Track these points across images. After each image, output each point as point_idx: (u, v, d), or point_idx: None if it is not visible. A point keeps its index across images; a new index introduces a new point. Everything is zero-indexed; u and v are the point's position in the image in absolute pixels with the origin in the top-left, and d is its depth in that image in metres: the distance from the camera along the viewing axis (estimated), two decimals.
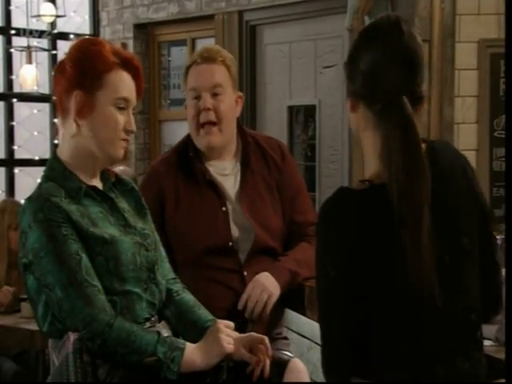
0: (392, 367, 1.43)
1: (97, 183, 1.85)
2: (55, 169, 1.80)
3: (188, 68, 2.26)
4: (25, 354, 3.62)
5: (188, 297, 1.92)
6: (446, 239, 1.46)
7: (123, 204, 1.87)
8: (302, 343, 2.74)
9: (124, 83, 1.81)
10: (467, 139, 3.69)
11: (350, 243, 1.43)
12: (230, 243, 2.18)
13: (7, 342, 3.45)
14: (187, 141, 2.29)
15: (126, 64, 1.82)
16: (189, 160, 2.25)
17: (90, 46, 1.81)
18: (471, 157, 3.66)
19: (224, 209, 2.21)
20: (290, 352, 2.20)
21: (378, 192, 1.44)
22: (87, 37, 2.03)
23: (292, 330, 2.82)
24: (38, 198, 1.73)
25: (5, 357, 3.61)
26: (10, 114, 5.25)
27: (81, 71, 1.77)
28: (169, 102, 5.33)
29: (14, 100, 5.23)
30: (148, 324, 1.77)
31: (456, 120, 3.69)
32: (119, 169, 3.64)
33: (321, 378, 2.68)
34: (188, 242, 2.19)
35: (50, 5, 4.95)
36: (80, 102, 1.77)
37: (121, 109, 1.80)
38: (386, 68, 1.46)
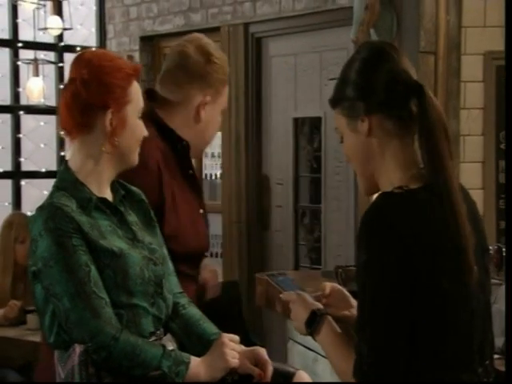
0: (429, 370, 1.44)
1: (107, 195, 1.85)
2: (66, 179, 1.81)
3: (223, 85, 2.24)
4: (29, 366, 3.62)
5: (194, 310, 1.92)
6: (478, 255, 1.51)
7: (132, 217, 1.87)
8: (307, 355, 2.73)
9: (140, 93, 1.87)
10: (473, 151, 3.68)
11: (405, 242, 1.41)
12: (206, 253, 2.25)
13: (12, 354, 3.45)
14: (173, 130, 2.19)
15: (137, 74, 1.86)
16: (177, 152, 2.18)
17: (105, 62, 1.81)
18: (477, 169, 3.65)
19: (201, 211, 2.20)
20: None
21: (419, 194, 1.47)
22: (90, 50, 2.01)
23: (297, 342, 2.81)
24: (50, 206, 1.74)
25: (9, 368, 3.61)
26: (16, 126, 5.27)
27: (106, 89, 1.79)
28: None
29: (21, 112, 5.25)
30: (153, 338, 1.77)
31: (462, 132, 3.69)
32: None
33: None
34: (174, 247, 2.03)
35: (57, 18, 4.98)
36: (113, 121, 1.79)
37: (140, 117, 1.86)
38: (402, 71, 1.54)
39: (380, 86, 1.53)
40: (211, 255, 4.95)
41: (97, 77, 1.79)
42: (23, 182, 5.24)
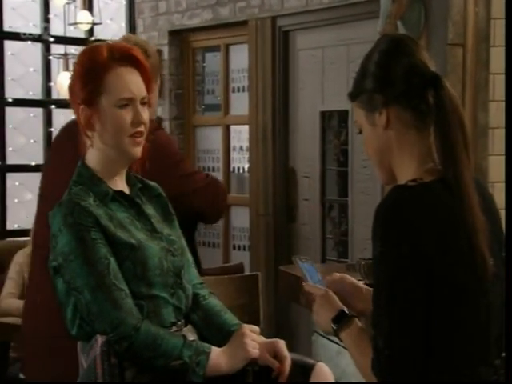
0: (443, 369, 1.44)
1: (123, 188, 1.87)
2: (83, 175, 1.83)
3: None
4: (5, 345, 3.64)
5: (214, 301, 1.94)
6: (494, 247, 1.50)
7: (150, 210, 1.89)
8: (331, 348, 2.74)
9: (123, 81, 1.79)
10: (502, 144, 3.64)
11: (418, 234, 1.42)
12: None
13: None
14: None
15: (123, 58, 1.80)
16: None
17: (86, 55, 1.83)
18: None
19: None
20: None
21: (433, 187, 1.47)
22: (88, 46, 1.98)
23: (321, 335, 2.83)
24: (68, 202, 1.77)
25: None
26: (48, 120, 5.33)
27: (81, 86, 1.80)
28: (203, 107, 5.36)
29: (52, 106, 5.32)
30: (174, 328, 1.79)
31: (490, 125, 3.66)
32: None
33: None
34: None
35: (87, 13, 5.03)
36: (86, 116, 1.80)
37: (125, 106, 1.79)
38: (420, 63, 1.54)
39: (398, 78, 1.53)
40: (239, 248, 4.98)
41: (78, 73, 1.82)
42: None
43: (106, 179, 1.84)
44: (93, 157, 1.84)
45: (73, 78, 1.83)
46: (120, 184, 1.87)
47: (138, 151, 1.82)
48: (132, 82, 1.80)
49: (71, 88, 1.84)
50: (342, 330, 1.60)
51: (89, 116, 1.79)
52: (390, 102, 1.54)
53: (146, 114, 1.82)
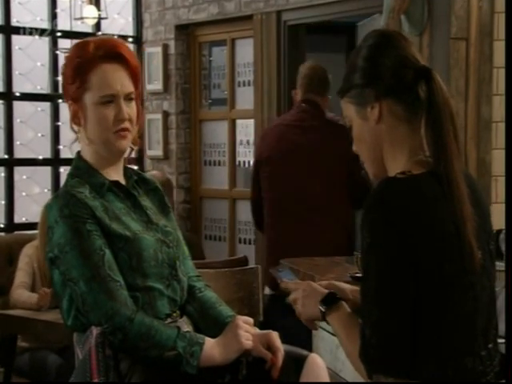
0: (429, 362, 1.45)
1: (120, 179, 1.90)
2: (80, 167, 1.86)
3: None
4: (68, 349, 3.71)
5: (210, 294, 1.96)
6: (482, 240, 1.51)
7: (146, 202, 1.92)
8: (331, 341, 2.76)
9: (105, 78, 1.80)
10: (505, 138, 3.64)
11: (407, 226, 1.43)
12: None
13: (49, 337, 3.53)
14: None
15: (108, 55, 1.81)
16: None
17: (74, 51, 1.85)
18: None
19: None
20: None
21: (422, 179, 1.49)
22: (79, 41, 1.98)
23: (321, 328, 2.84)
24: (65, 194, 1.79)
25: (49, 350, 3.71)
26: (55, 115, 5.36)
27: (69, 82, 1.83)
28: (210, 101, 5.38)
29: (60, 100, 5.34)
30: (169, 320, 1.82)
31: (494, 119, 3.65)
32: (151, 173, 3.71)
33: (350, 376, 2.69)
34: None
35: (93, 7, 5.04)
36: (73, 111, 1.84)
37: (108, 102, 1.80)
38: (409, 56, 1.55)
39: (388, 71, 1.54)
40: (244, 241, 5.00)
41: (65, 69, 1.85)
42: (62, 169, 5.35)
43: (103, 171, 1.86)
44: (86, 150, 1.88)
45: (63, 74, 1.87)
46: (115, 176, 1.89)
47: (123, 144, 1.83)
48: (115, 78, 1.81)
49: (62, 83, 1.88)
50: (331, 313, 1.59)
51: (75, 111, 1.83)
52: (382, 96, 1.54)
53: (132, 110, 1.83)
